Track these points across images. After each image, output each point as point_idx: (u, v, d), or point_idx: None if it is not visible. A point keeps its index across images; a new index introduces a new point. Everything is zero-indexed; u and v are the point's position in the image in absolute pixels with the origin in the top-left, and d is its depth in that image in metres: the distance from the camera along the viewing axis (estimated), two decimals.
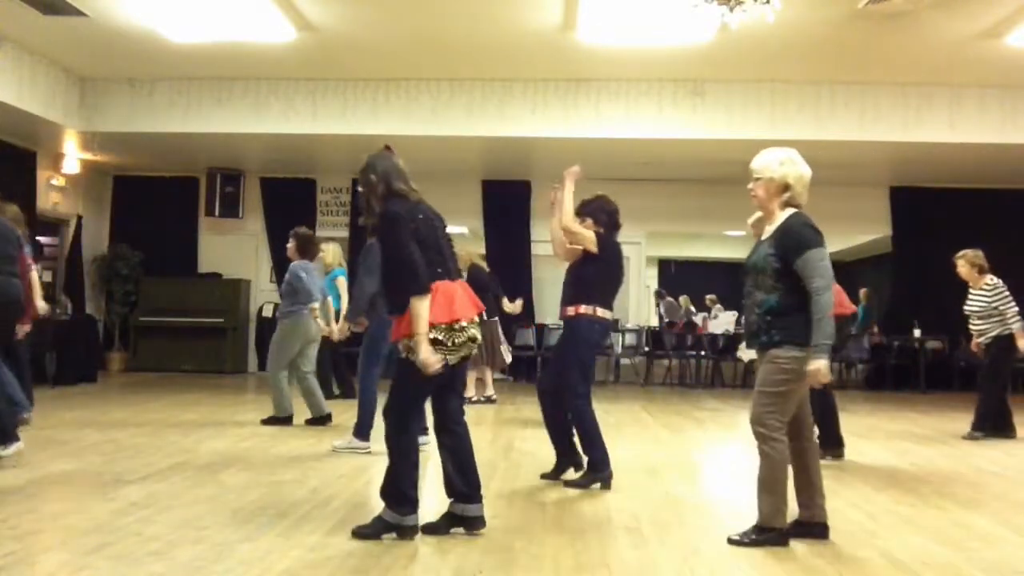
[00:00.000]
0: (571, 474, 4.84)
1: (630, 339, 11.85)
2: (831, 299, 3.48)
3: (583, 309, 4.67)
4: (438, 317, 3.45)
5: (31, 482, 4.55)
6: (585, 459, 4.80)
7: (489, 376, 8.89)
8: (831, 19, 7.44)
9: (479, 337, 3.62)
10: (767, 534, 3.53)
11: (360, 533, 3.55)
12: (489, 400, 8.70)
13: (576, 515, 4.10)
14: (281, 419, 6.79)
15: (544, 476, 4.93)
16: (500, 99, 9.45)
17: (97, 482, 4.59)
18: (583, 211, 4.90)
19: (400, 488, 3.54)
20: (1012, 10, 7.17)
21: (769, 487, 3.53)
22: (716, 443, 6.77)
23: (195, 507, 4.07)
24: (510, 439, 6.46)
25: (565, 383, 4.73)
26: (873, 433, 7.21)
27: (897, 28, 7.60)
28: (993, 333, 6.85)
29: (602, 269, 4.73)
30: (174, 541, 3.48)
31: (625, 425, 7.45)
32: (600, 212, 4.92)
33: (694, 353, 11.96)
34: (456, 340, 3.50)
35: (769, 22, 6.35)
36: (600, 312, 4.70)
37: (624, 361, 12.07)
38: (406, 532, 3.54)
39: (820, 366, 3.42)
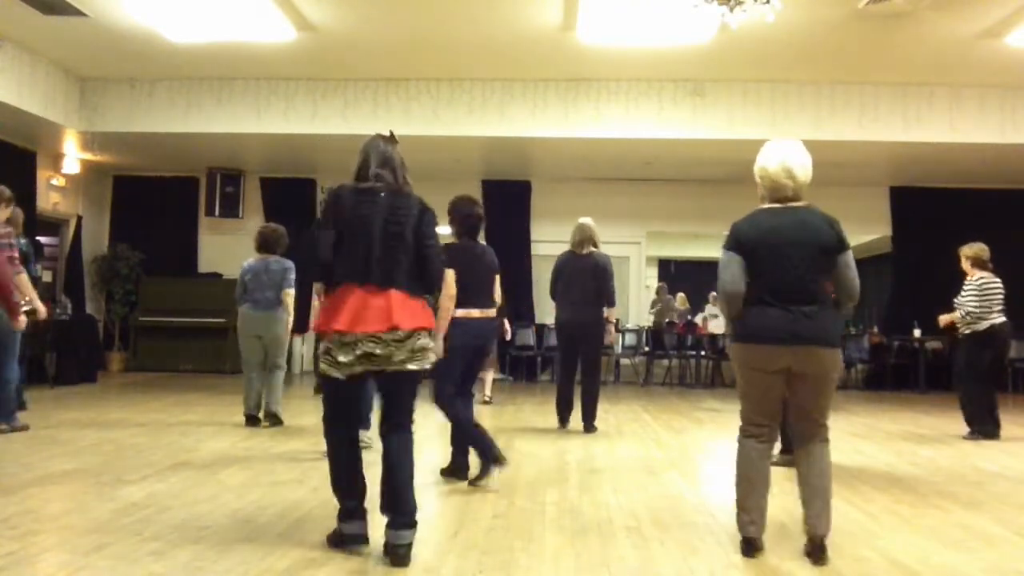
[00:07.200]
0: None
1: (630, 339, 11.85)
2: (726, 298, 3.47)
3: (458, 313, 4.63)
4: (320, 324, 3.28)
5: (31, 482, 4.55)
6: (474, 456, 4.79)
7: (489, 378, 8.90)
8: (831, 19, 7.44)
9: (369, 353, 3.21)
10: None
11: (328, 540, 3.46)
12: (486, 401, 8.71)
13: (576, 515, 4.09)
14: (247, 417, 6.85)
15: (443, 472, 4.93)
16: (500, 99, 9.46)
17: (97, 482, 4.58)
18: (452, 210, 4.90)
19: (335, 494, 3.42)
20: (1012, 10, 7.17)
21: (735, 487, 3.51)
22: (716, 443, 6.76)
23: (195, 507, 4.07)
24: (510, 439, 6.46)
25: (434, 384, 4.69)
26: (873, 433, 7.21)
27: (897, 28, 7.60)
28: (972, 328, 6.86)
29: (460, 273, 4.62)
30: (174, 541, 3.48)
31: (625, 425, 7.45)
32: (456, 214, 4.88)
33: (694, 353, 11.96)
34: (339, 356, 3.21)
35: (769, 22, 6.36)
36: (475, 313, 4.73)
37: (624, 361, 12.08)
38: (345, 540, 3.36)
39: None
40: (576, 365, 6.94)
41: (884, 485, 4.96)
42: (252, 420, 6.81)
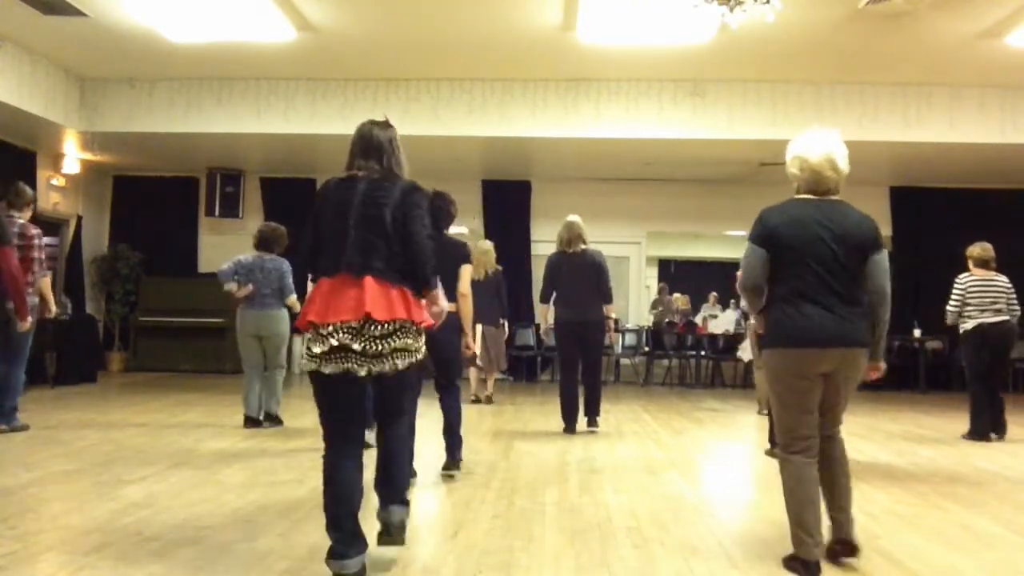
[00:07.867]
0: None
1: (630, 339, 11.85)
2: (745, 293, 3.32)
3: None
4: (300, 319, 3.09)
5: (31, 482, 4.55)
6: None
7: (491, 377, 8.92)
8: (831, 19, 7.44)
9: (345, 346, 2.96)
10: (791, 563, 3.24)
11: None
12: (487, 400, 8.74)
13: (576, 515, 4.09)
14: (247, 418, 6.77)
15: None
16: (500, 99, 9.45)
17: (97, 482, 4.59)
18: None
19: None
20: (1012, 10, 7.17)
21: (787, 509, 3.25)
22: (716, 443, 6.76)
23: (195, 507, 4.07)
24: (510, 439, 6.46)
25: None
26: (873, 433, 7.21)
27: (897, 28, 7.60)
28: (962, 327, 6.87)
29: None
30: (174, 541, 3.48)
31: (625, 425, 7.45)
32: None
33: (694, 353, 11.96)
34: (314, 348, 2.99)
35: (769, 22, 6.35)
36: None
37: (624, 361, 12.08)
38: (328, 554, 2.99)
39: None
40: (579, 366, 6.90)
41: (884, 485, 4.96)
42: (252, 422, 6.76)
